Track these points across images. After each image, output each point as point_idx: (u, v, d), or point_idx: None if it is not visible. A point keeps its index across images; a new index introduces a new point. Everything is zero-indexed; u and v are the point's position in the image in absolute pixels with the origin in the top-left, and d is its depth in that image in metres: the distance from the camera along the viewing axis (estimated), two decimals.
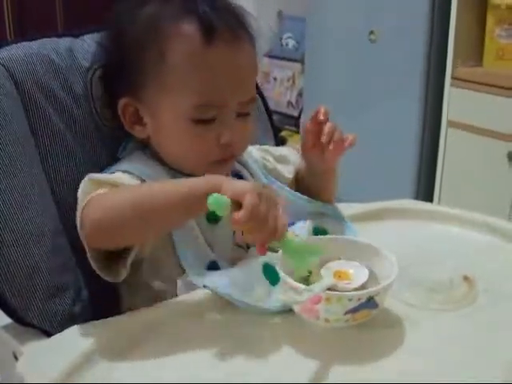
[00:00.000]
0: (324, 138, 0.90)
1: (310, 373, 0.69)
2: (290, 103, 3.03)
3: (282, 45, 3.05)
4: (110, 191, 0.82)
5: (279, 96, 3.05)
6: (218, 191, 0.73)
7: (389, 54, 2.36)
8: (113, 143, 0.95)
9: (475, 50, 2.21)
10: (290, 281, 0.74)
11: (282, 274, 0.75)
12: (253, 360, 0.72)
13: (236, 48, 0.88)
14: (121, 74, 0.91)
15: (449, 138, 2.27)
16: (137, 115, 0.91)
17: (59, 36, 0.96)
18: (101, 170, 0.91)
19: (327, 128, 0.91)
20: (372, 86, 2.45)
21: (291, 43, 3.00)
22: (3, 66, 0.86)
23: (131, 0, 0.91)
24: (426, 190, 2.40)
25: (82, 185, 0.85)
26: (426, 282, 0.86)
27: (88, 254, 0.81)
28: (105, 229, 0.79)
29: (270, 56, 3.08)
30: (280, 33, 3.03)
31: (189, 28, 0.86)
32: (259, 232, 0.73)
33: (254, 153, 1.03)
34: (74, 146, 0.92)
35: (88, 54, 0.95)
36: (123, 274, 0.83)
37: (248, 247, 0.92)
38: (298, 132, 2.88)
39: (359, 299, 0.72)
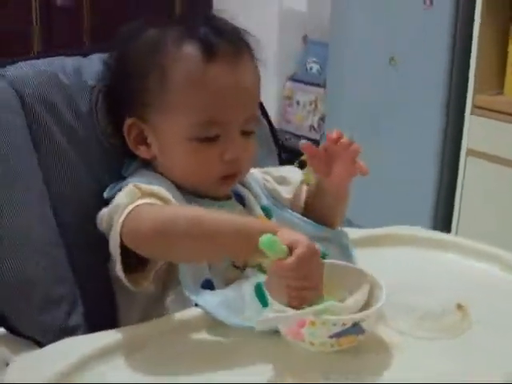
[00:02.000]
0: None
1: None
2: (311, 127, 3.04)
3: (306, 69, 3.06)
4: (159, 204, 0.84)
5: (301, 120, 3.06)
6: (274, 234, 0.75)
7: (409, 80, 2.35)
8: (115, 161, 0.97)
9: (496, 79, 2.20)
10: (276, 303, 0.74)
11: (269, 297, 0.76)
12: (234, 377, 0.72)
13: (237, 65, 0.90)
14: (125, 94, 0.93)
15: (468, 167, 2.25)
16: (141, 136, 0.93)
17: (67, 55, 0.98)
18: (102, 186, 0.93)
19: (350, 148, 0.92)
20: (392, 111, 2.45)
21: (315, 68, 3.02)
22: (10, 82, 0.89)
23: (137, 22, 0.94)
24: (443, 218, 2.38)
25: (125, 189, 0.86)
26: (418, 310, 0.85)
27: (118, 256, 0.82)
28: (157, 238, 0.80)
29: (294, 80, 3.10)
30: (304, 57, 3.05)
31: (189, 48, 0.88)
32: (300, 284, 0.75)
33: (256, 174, 1.04)
34: (76, 162, 0.94)
35: (94, 73, 0.97)
36: (144, 284, 0.85)
37: (244, 269, 0.92)
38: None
39: (344, 324, 0.72)
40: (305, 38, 3.06)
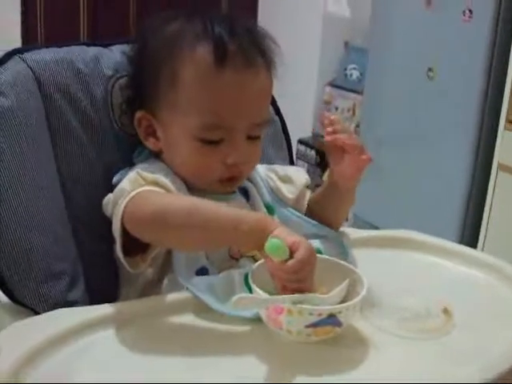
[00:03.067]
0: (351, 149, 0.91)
1: (260, 379, 0.72)
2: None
3: (346, 75, 3.08)
4: (160, 192, 0.87)
5: None
6: (266, 232, 0.77)
7: (445, 91, 2.35)
8: (127, 147, 1.01)
9: None
10: (257, 289, 0.77)
11: (251, 283, 0.79)
12: (210, 361, 0.76)
13: (247, 73, 0.91)
14: (139, 86, 0.97)
15: (498, 182, 2.23)
16: (151, 128, 0.96)
17: (89, 45, 1.03)
18: (114, 171, 0.97)
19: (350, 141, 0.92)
20: (426, 122, 2.44)
21: (355, 74, 3.03)
22: (29, 67, 0.94)
23: (161, 15, 0.96)
24: (471, 232, 2.37)
25: (130, 176, 0.90)
26: (404, 311, 0.86)
27: (118, 239, 0.85)
28: (155, 224, 0.83)
29: (334, 85, 3.12)
30: (345, 63, 3.07)
31: (202, 50, 0.90)
32: (296, 286, 0.77)
33: (261, 170, 1.06)
34: (89, 147, 0.98)
35: (113, 63, 1.01)
36: (141, 266, 0.88)
37: (239, 259, 0.95)
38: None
39: (320, 314, 0.74)
40: (346, 44, 3.08)
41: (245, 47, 0.91)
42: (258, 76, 0.93)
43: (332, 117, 0.93)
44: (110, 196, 0.93)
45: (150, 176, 0.90)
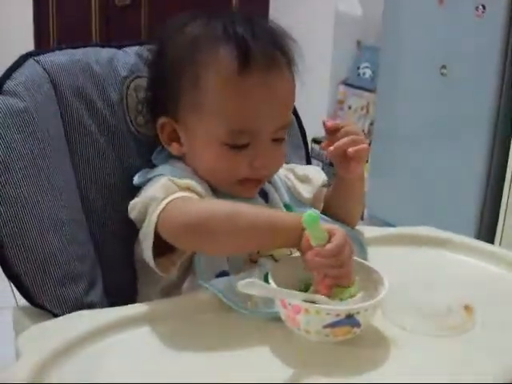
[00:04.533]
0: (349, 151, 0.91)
1: (280, 379, 0.72)
2: (362, 132, 3.04)
3: (358, 74, 3.07)
4: (196, 198, 0.88)
5: None
6: (301, 227, 0.79)
7: (459, 88, 2.34)
8: (143, 148, 1.01)
9: None
10: (273, 284, 0.77)
11: (270, 281, 0.78)
12: (231, 360, 0.75)
13: (272, 76, 0.90)
14: (159, 89, 0.96)
15: None
16: (175, 133, 0.95)
17: (103, 46, 1.03)
18: (131, 172, 0.97)
19: (345, 140, 0.92)
20: (440, 119, 2.43)
21: (368, 73, 3.02)
22: (45, 69, 0.94)
23: (179, 18, 0.95)
24: (488, 229, 2.35)
25: (161, 182, 0.89)
26: (424, 308, 0.86)
27: (150, 245, 0.85)
28: (195, 231, 0.82)
29: (347, 84, 3.11)
30: (357, 62, 3.06)
31: (225, 54, 0.88)
32: (337, 272, 0.78)
33: (279, 170, 1.04)
34: (105, 148, 0.98)
35: (128, 64, 1.01)
36: (171, 270, 0.88)
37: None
38: (366, 161, 2.87)
39: (338, 315, 0.74)
40: (359, 43, 3.07)
41: (267, 49, 0.90)
42: (282, 77, 0.92)
43: (329, 124, 0.93)
44: (137, 200, 0.91)
45: (181, 182, 0.89)
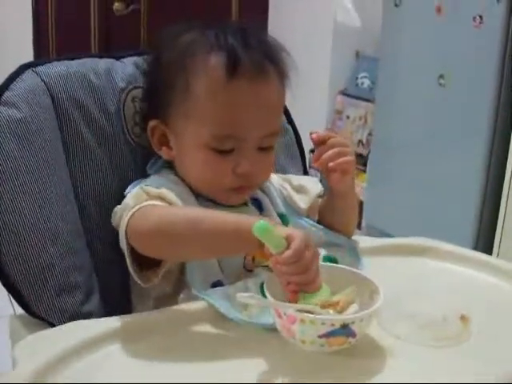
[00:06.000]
0: (330, 165, 0.92)
1: None
2: (360, 142, 3.04)
3: (357, 84, 3.07)
4: (162, 205, 0.88)
5: (350, 134, 3.07)
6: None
7: (457, 98, 2.34)
8: (140, 159, 1.01)
9: None
10: (271, 298, 0.77)
11: (266, 292, 0.78)
12: (226, 370, 0.75)
13: (259, 84, 0.91)
14: (152, 96, 0.97)
15: None
16: (165, 137, 0.96)
17: (101, 57, 1.03)
18: (127, 183, 0.97)
19: (330, 153, 0.92)
20: (439, 129, 2.44)
21: (366, 83, 3.03)
22: (43, 81, 0.95)
23: (175, 27, 0.97)
24: (485, 239, 2.35)
25: (133, 191, 0.91)
26: (420, 318, 0.86)
27: (127, 254, 0.86)
28: (157, 238, 0.83)
29: (345, 94, 3.11)
30: (356, 72, 3.07)
31: (215, 61, 0.90)
32: (297, 277, 0.77)
33: (275, 180, 1.06)
34: (102, 159, 0.99)
35: (125, 75, 1.02)
36: (154, 281, 0.88)
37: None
38: (364, 171, 2.88)
39: (332, 325, 0.74)
40: (357, 53, 3.08)
41: (257, 59, 0.91)
42: (269, 88, 0.93)
43: (313, 136, 0.92)
44: (117, 208, 0.93)
45: (153, 190, 0.90)
